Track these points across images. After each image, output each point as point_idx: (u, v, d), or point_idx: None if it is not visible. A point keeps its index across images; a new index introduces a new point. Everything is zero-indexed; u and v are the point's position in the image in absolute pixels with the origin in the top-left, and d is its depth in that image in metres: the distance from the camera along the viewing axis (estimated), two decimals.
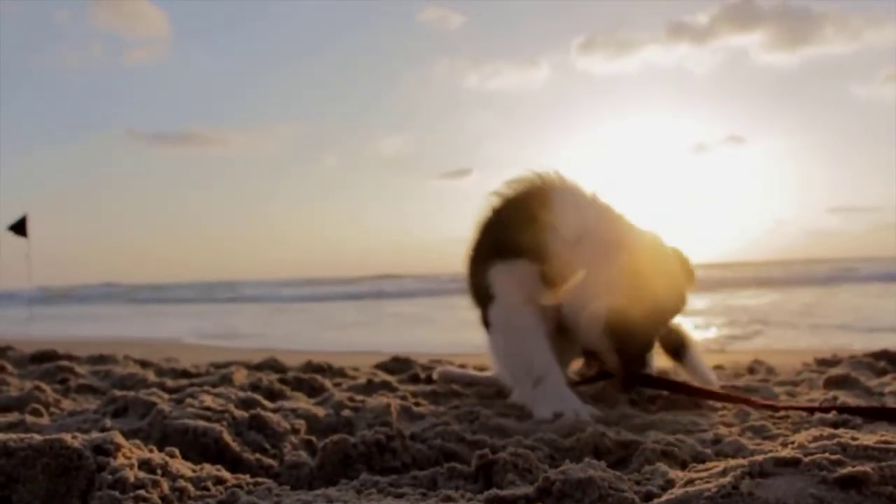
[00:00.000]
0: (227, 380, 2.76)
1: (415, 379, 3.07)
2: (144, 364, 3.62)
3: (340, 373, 3.23)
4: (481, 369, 2.95)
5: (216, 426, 1.75)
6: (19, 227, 11.86)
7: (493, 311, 2.30)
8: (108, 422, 1.89)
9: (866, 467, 1.19)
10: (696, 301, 12.09)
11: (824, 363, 3.35)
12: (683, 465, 1.52)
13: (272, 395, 2.47)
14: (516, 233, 2.26)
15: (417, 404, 2.32)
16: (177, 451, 1.53)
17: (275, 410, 2.05)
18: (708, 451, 1.63)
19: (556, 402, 2.08)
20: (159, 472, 1.35)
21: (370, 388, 2.67)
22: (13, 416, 2.04)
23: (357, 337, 7.77)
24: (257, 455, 1.73)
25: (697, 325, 7.64)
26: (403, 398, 2.39)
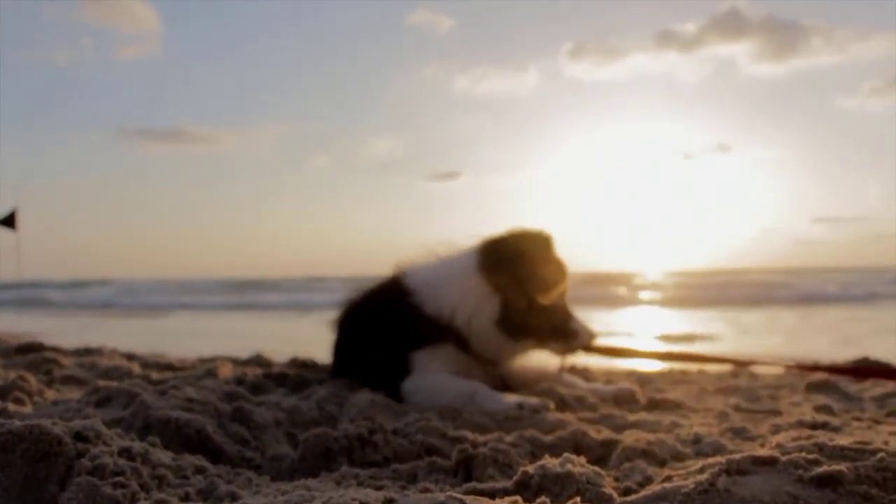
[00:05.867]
0: (212, 374, 2.75)
1: None
2: (130, 357, 3.60)
3: (326, 369, 3.22)
4: None
5: (199, 417, 1.74)
6: (8, 221, 11.78)
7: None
8: (90, 411, 1.88)
9: (842, 467, 1.20)
10: (680, 309, 12.16)
11: (806, 369, 3.36)
12: (663, 464, 1.53)
13: (257, 389, 2.47)
14: None
15: (402, 401, 2.32)
16: (158, 441, 1.52)
17: (258, 404, 2.05)
18: (688, 450, 1.64)
19: (499, 399, 2.15)
20: (139, 459, 1.34)
21: (354, 384, 2.66)
22: None
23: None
24: (239, 447, 1.72)
25: (681, 333, 7.68)
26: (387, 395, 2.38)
